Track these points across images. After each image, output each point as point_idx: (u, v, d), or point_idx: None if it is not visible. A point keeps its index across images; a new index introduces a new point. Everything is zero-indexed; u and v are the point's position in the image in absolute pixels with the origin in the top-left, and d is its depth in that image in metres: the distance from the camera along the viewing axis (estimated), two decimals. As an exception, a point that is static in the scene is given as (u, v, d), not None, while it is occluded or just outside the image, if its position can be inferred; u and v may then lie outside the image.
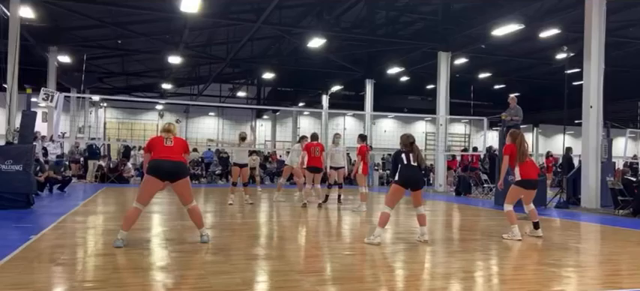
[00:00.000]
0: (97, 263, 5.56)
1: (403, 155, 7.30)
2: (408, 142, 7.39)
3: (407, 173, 7.14)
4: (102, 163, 21.48)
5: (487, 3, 18.46)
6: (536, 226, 8.05)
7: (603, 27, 13.91)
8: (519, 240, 7.49)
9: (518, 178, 7.87)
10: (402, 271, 5.73)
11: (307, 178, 12.25)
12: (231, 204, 12.20)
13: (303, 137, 14.49)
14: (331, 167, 12.81)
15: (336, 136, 13.51)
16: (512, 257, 6.36)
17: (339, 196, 13.25)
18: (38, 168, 13.61)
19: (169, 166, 6.44)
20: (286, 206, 12.65)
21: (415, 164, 7.20)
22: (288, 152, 17.91)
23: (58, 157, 18.34)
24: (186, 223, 9.11)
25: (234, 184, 12.66)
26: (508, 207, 7.82)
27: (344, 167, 13.17)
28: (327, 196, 13.02)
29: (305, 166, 12.38)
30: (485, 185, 18.17)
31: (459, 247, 7.28)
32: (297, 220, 10.30)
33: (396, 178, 7.17)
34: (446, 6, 20.03)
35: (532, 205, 8.11)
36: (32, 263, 5.39)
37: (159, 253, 6.19)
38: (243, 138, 12.76)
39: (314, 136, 12.81)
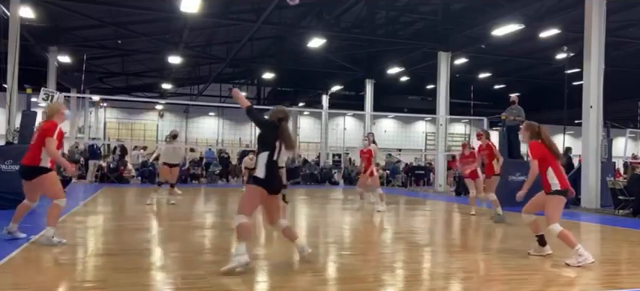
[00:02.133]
0: (97, 263, 5.56)
1: (278, 142, 5.33)
2: (279, 116, 5.44)
3: (273, 174, 5.28)
4: (102, 163, 21.50)
5: (487, 3, 18.45)
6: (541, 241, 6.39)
7: (603, 27, 13.90)
8: (593, 262, 5.80)
9: (556, 187, 6.05)
10: (402, 271, 5.73)
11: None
12: (149, 204, 11.58)
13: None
14: None
15: (369, 134, 13.61)
16: (513, 257, 6.35)
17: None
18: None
19: (20, 171, 6.47)
20: (283, 207, 12.62)
21: (282, 166, 5.59)
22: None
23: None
24: (188, 223, 9.14)
25: (160, 184, 12.15)
26: (558, 227, 5.97)
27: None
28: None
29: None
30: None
31: (459, 247, 7.28)
32: (297, 221, 10.30)
33: (261, 175, 5.22)
34: (446, 6, 20.03)
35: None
36: (32, 263, 5.39)
37: (159, 253, 6.19)
38: (174, 136, 12.45)
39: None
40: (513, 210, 11.62)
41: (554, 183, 6.03)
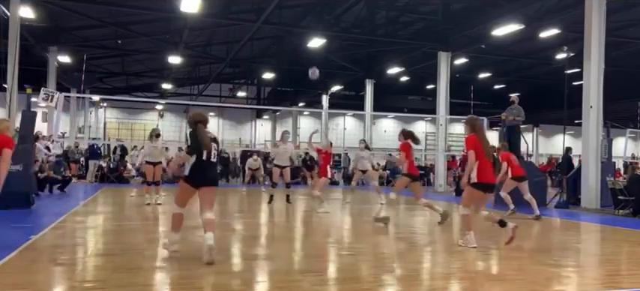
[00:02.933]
0: (97, 263, 5.56)
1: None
2: (195, 119, 5.95)
3: (196, 172, 5.81)
4: (102, 163, 21.50)
5: (487, 3, 18.45)
6: (502, 223, 6.86)
7: (603, 27, 13.90)
8: (474, 247, 6.71)
9: (474, 179, 6.73)
10: (402, 271, 5.73)
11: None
12: (148, 204, 11.53)
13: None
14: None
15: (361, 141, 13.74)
16: (512, 257, 6.36)
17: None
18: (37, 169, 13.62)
19: None
20: (285, 207, 12.62)
21: (214, 160, 5.94)
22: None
23: (57, 156, 18.35)
24: (187, 223, 9.11)
25: (149, 184, 12.00)
26: (465, 211, 6.92)
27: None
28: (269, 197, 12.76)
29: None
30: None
31: (459, 247, 7.27)
32: (297, 221, 10.30)
33: (186, 173, 5.85)
34: (446, 6, 20.02)
35: (487, 212, 7.04)
36: (32, 263, 5.39)
37: (159, 253, 6.19)
38: (157, 135, 12.34)
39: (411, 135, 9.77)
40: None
41: (473, 176, 6.70)
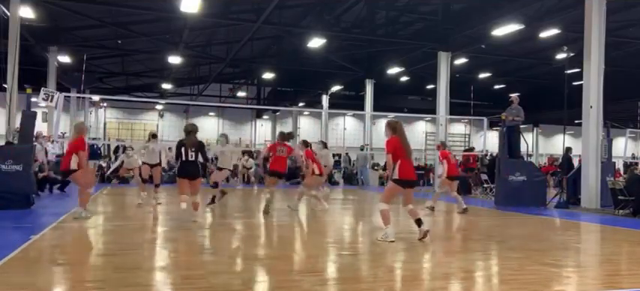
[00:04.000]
0: (97, 263, 5.56)
1: (183, 149, 8.43)
2: (186, 129, 8.66)
3: (183, 167, 8.45)
4: (102, 163, 21.50)
5: (487, 3, 18.44)
6: (419, 223, 7.27)
7: (603, 27, 13.89)
8: (392, 241, 6.99)
9: (395, 176, 7.15)
10: (402, 271, 5.73)
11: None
12: (140, 204, 11.50)
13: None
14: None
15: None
16: (512, 257, 6.36)
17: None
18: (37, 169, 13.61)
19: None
20: (287, 209, 12.61)
21: (193, 159, 8.38)
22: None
23: (57, 156, 18.33)
24: (187, 223, 9.14)
25: (144, 181, 12.01)
26: (383, 206, 7.25)
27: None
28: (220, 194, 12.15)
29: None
30: (485, 185, 18.17)
31: (459, 247, 7.28)
32: (296, 221, 10.30)
33: (177, 172, 8.68)
34: (446, 6, 20.01)
35: (411, 205, 7.35)
36: (32, 263, 5.39)
37: (159, 253, 6.19)
38: (154, 135, 12.33)
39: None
40: (514, 210, 11.65)
41: (394, 173, 7.14)
